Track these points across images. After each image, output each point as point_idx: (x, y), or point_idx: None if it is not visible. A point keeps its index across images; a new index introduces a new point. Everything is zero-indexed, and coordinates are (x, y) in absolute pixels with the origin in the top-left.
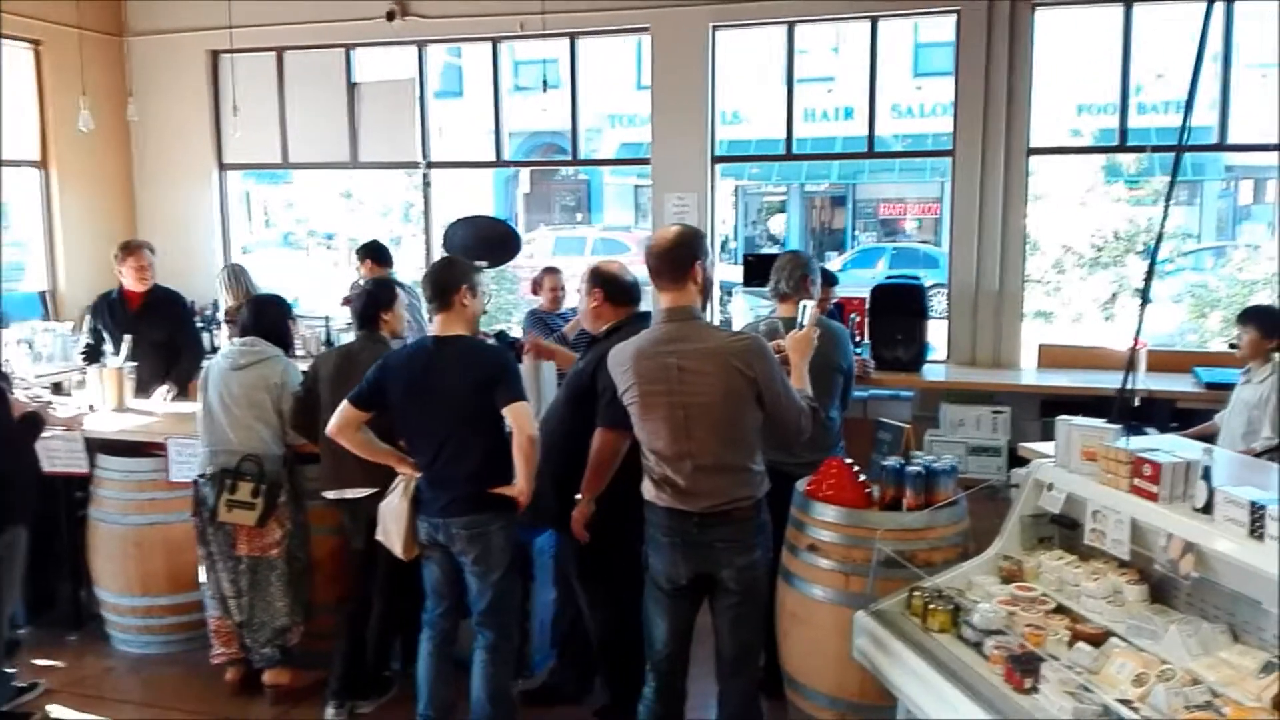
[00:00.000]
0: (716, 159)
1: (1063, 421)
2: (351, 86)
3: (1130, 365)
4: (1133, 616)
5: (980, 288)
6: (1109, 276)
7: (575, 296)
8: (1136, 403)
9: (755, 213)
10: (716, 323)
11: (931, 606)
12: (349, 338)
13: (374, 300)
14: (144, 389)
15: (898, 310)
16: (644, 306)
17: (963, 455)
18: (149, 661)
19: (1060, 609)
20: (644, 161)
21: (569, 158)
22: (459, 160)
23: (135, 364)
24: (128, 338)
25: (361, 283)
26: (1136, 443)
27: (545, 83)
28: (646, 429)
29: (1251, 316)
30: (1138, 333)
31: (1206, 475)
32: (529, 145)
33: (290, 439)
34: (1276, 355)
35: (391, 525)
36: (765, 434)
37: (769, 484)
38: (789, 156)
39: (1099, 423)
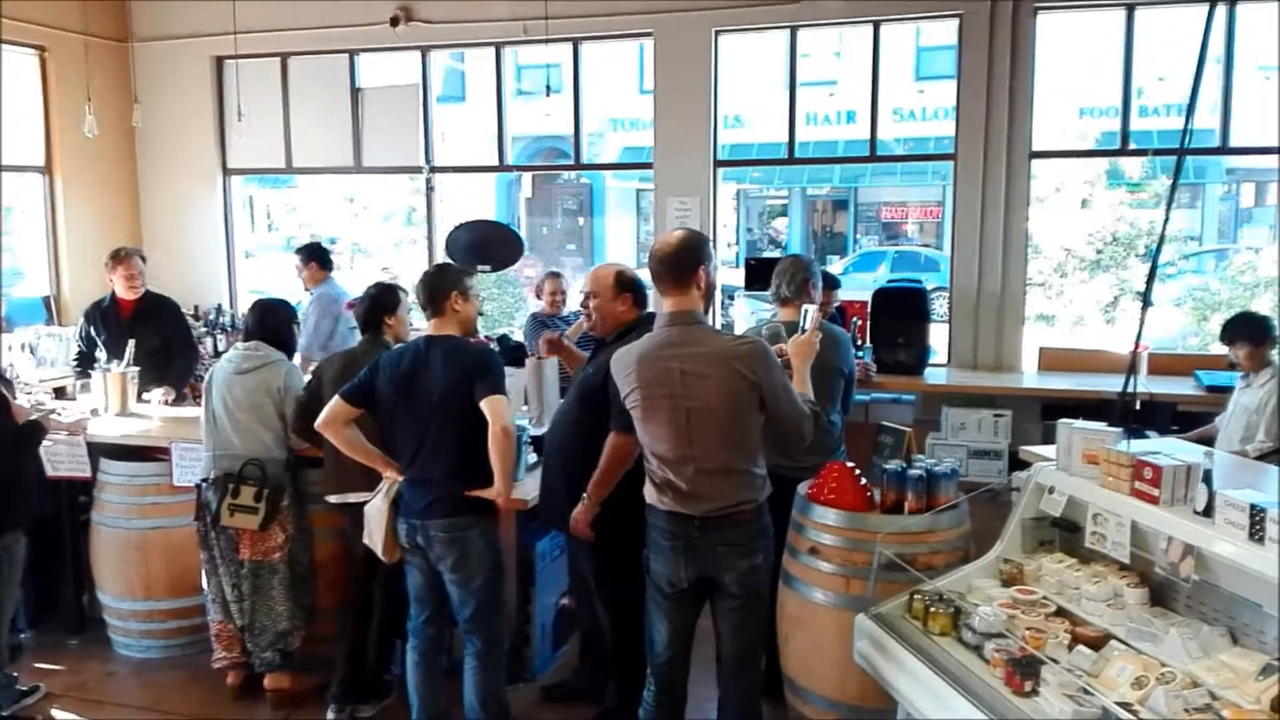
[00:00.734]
0: (719, 163)
1: (1064, 425)
2: (355, 92)
3: (1131, 368)
4: (1133, 619)
5: (982, 291)
6: (1110, 280)
7: (576, 300)
8: (1138, 406)
9: (757, 216)
10: (718, 326)
11: (932, 610)
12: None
13: (378, 304)
14: (140, 396)
15: (899, 314)
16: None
17: (964, 458)
18: (150, 665)
19: (1061, 612)
20: (646, 166)
21: (571, 162)
22: (462, 165)
23: (139, 368)
24: (131, 342)
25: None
26: (1137, 446)
27: (548, 88)
28: (649, 432)
29: (1240, 332)
30: (1138, 336)
31: (1207, 478)
32: (532, 150)
33: (293, 443)
34: (1274, 357)
35: (373, 526)
36: (767, 438)
37: (771, 488)
38: (791, 160)
39: (1100, 426)
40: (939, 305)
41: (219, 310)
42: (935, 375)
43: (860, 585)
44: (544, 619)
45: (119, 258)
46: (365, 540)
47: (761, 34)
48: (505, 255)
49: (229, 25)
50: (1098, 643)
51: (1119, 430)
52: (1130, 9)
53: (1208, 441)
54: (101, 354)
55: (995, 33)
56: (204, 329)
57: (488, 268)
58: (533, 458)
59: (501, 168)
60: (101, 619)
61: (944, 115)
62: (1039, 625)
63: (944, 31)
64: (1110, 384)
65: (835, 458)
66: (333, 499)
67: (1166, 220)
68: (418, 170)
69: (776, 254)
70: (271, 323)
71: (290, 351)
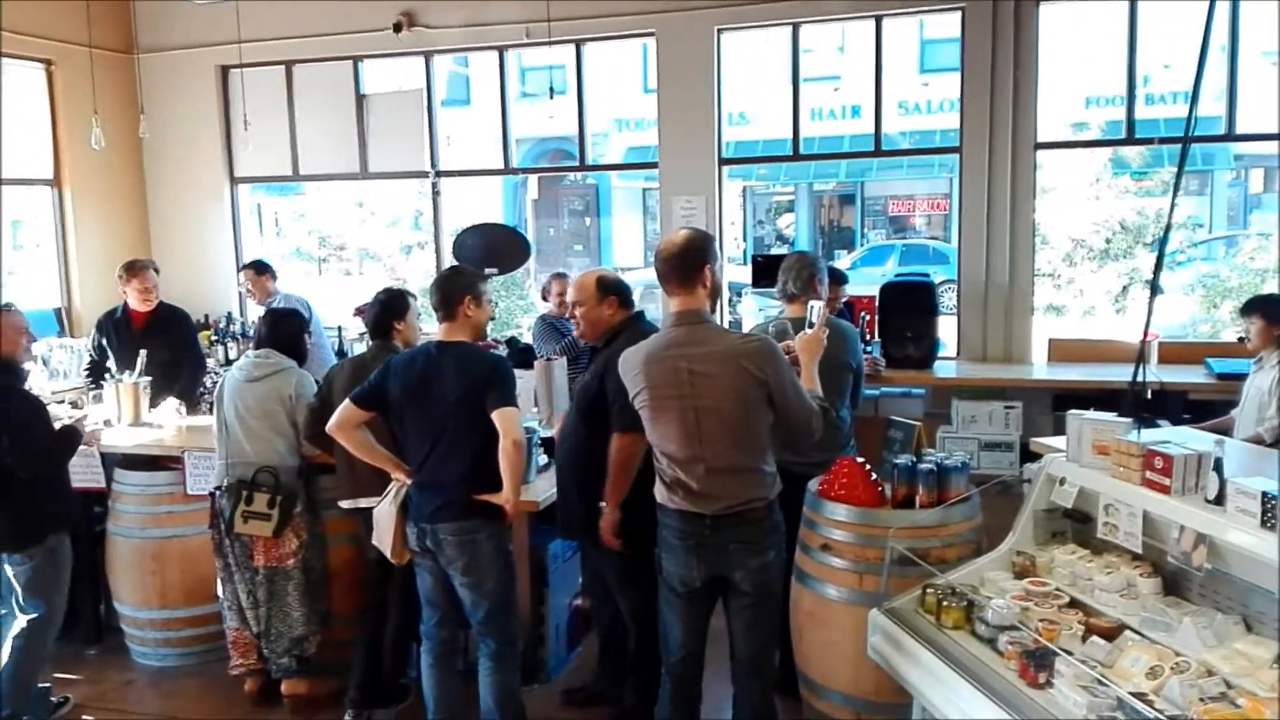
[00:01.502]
0: (724, 161)
1: (1074, 416)
2: (360, 98)
3: (1140, 357)
4: (1146, 609)
5: (990, 283)
6: (1119, 269)
7: None
8: (1148, 395)
9: (764, 213)
10: (726, 324)
11: (945, 603)
12: (361, 347)
13: (388, 310)
14: (151, 403)
15: (908, 308)
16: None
17: (975, 451)
18: (168, 674)
19: (1074, 603)
20: (651, 165)
21: (576, 163)
22: (468, 168)
23: (150, 378)
24: (143, 353)
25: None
26: (1148, 435)
27: (552, 89)
28: (658, 432)
29: (1256, 306)
30: (1147, 325)
31: (1218, 467)
32: (537, 151)
33: (305, 450)
34: None
35: (382, 529)
36: (776, 435)
37: (781, 485)
38: (796, 157)
39: (1110, 416)
40: (948, 298)
41: (229, 319)
42: (945, 368)
43: (873, 581)
44: (558, 619)
45: (133, 270)
46: (375, 543)
47: (764, 31)
48: (512, 258)
49: (233, 34)
50: (1111, 633)
51: (1129, 420)
52: None
53: (1224, 433)
54: (113, 364)
55: (998, 24)
56: (215, 338)
57: (495, 271)
58: (543, 459)
59: (506, 171)
60: (119, 628)
61: (949, 108)
62: (1052, 617)
63: (948, 24)
64: (1121, 374)
65: (845, 453)
66: (345, 504)
67: (1173, 208)
68: (424, 175)
69: (784, 250)
70: (283, 330)
71: (301, 359)
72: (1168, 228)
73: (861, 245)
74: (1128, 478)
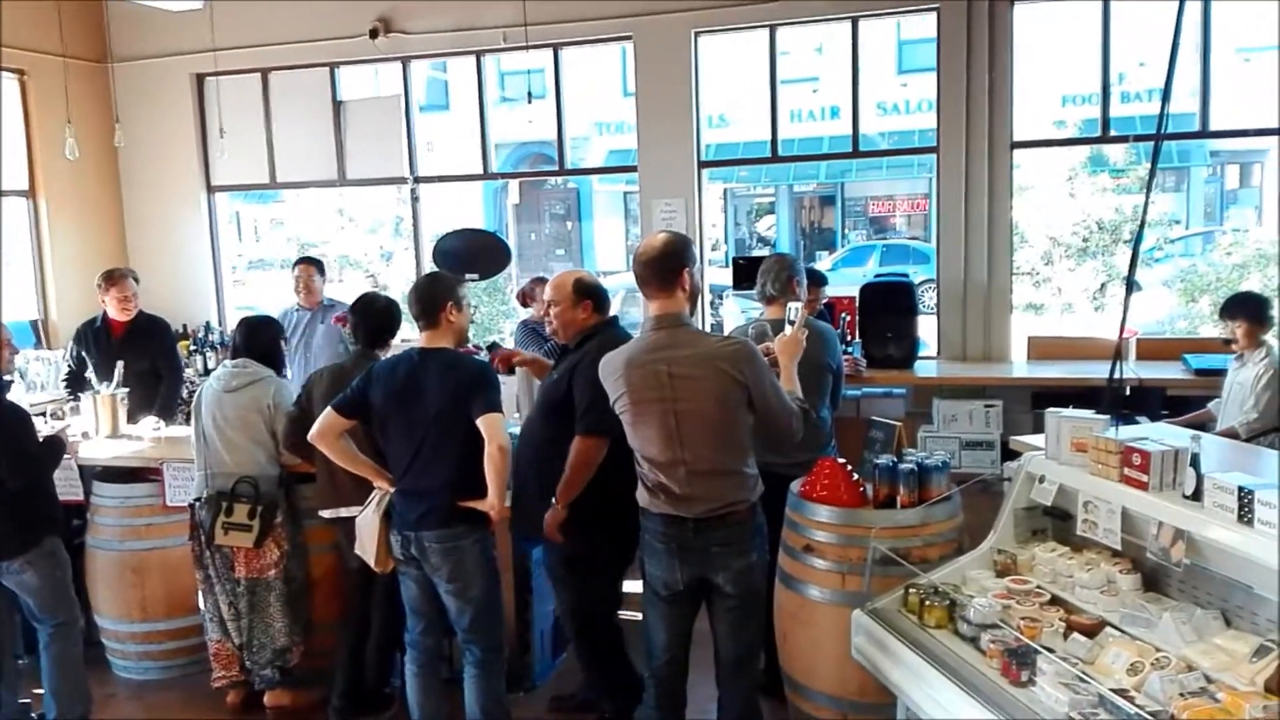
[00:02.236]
0: (703, 164)
1: (1052, 414)
2: (337, 105)
3: (1118, 354)
4: (1126, 606)
5: (969, 282)
6: (1097, 266)
7: None
8: (1126, 392)
9: (744, 215)
10: (706, 326)
11: (928, 603)
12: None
13: (392, 322)
14: (130, 417)
15: (887, 308)
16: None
17: (956, 450)
18: (150, 687)
19: (1055, 600)
20: (631, 169)
21: (556, 168)
22: (447, 174)
23: (129, 390)
24: (120, 364)
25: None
26: (1126, 432)
27: (530, 94)
28: (639, 436)
29: (1239, 308)
30: (1124, 321)
31: (1195, 462)
32: (517, 156)
33: (285, 459)
34: (1268, 339)
35: (365, 537)
36: (757, 436)
37: (763, 487)
38: (775, 159)
39: (1088, 414)
40: (928, 298)
41: (207, 328)
42: (925, 368)
43: (856, 581)
44: (542, 625)
45: (112, 279)
46: (357, 551)
47: (741, 33)
48: (493, 264)
49: (208, 42)
50: (1092, 630)
51: (1106, 418)
52: None
53: (1201, 427)
54: (92, 375)
55: (973, 24)
56: (193, 347)
57: (475, 276)
58: None
59: (486, 176)
60: (99, 642)
61: (927, 108)
62: (1034, 615)
63: (925, 25)
64: (1099, 371)
65: (826, 454)
66: (326, 514)
67: (1146, 205)
68: (402, 181)
69: (765, 252)
70: (259, 339)
71: (279, 367)
72: (1142, 224)
73: (842, 246)
74: (1106, 475)
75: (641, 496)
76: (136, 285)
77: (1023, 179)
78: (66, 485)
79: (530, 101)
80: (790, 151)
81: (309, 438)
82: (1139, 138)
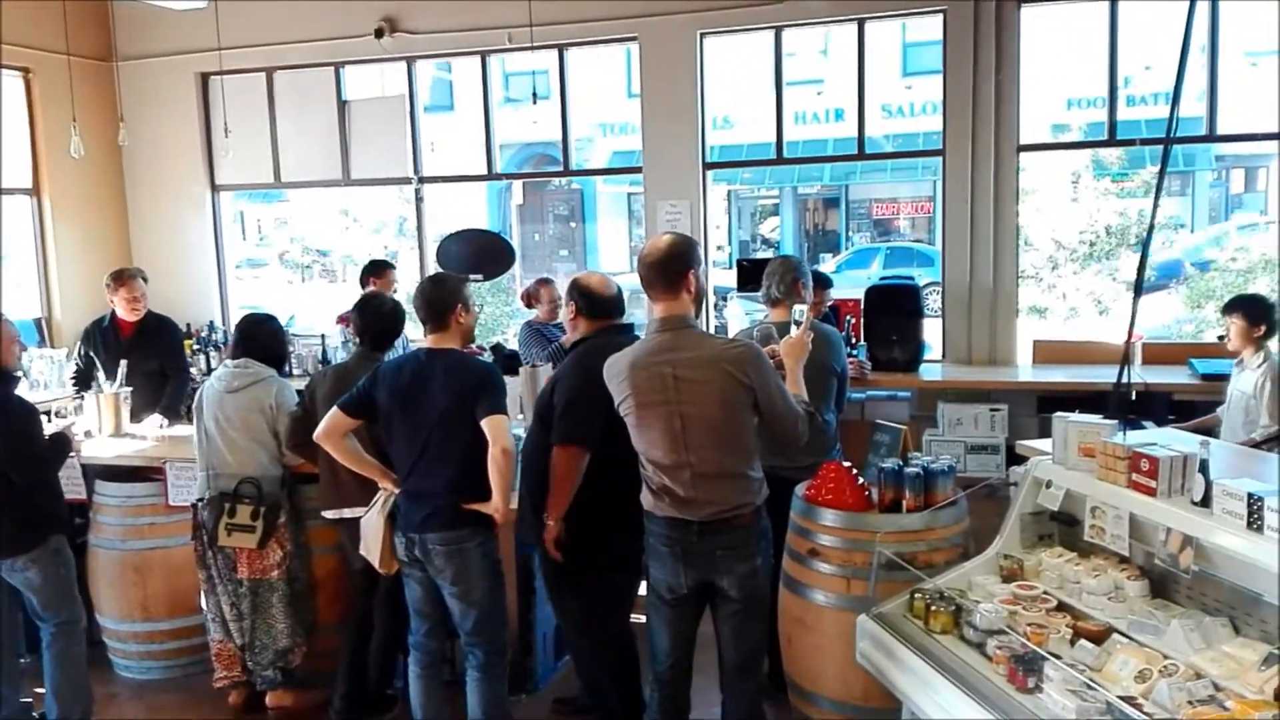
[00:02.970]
0: (708, 165)
1: (1059, 418)
2: (342, 104)
3: (1125, 359)
4: (1134, 612)
5: (974, 285)
6: (1103, 270)
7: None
8: (1133, 396)
9: (749, 217)
10: (711, 329)
11: (933, 608)
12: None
13: (399, 322)
14: (135, 416)
15: (892, 311)
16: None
17: (961, 454)
18: (152, 687)
19: (1062, 606)
20: (636, 170)
21: (561, 168)
22: (451, 174)
23: (131, 389)
24: (124, 363)
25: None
26: (1134, 437)
27: (535, 95)
28: (644, 439)
29: (1237, 305)
30: (1131, 326)
31: (1204, 468)
32: (521, 156)
33: (288, 459)
34: (1268, 343)
35: (370, 539)
36: (762, 440)
37: (768, 490)
38: (780, 161)
39: (1095, 418)
40: (933, 300)
41: (211, 327)
42: (930, 371)
43: (861, 586)
44: (545, 628)
45: (121, 279)
46: (362, 553)
47: (746, 35)
48: (497, 264)
49: (213, 42)
50: (1100, 636)
51: (1114, 422)
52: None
53: (1208, 432)
54: (101, 374)
55: (980, 27)
56: (196, 346)
57: (479, 277)
58: None
59: (490, 176)
60: (101, 641)
61: (932, 110)
62: (1040, 621)
63: (931, 27)
64: (1105, 375)
65: (831, 457)
66: (329, 514)
67: (1155, 209)
68: (406, 181)
69: (769, 254)
70: (258, 337)
71: (280, 366)
72: (1150, 229)
73: (846, 248)
74: (1114, 480)
75: (646, 499)
76: (145, 285)
77: (1028, 182)
78: (69, 484)
79: (535, 102)
80: (795, 154)
81: (314, 437)
82: (1146, 141)
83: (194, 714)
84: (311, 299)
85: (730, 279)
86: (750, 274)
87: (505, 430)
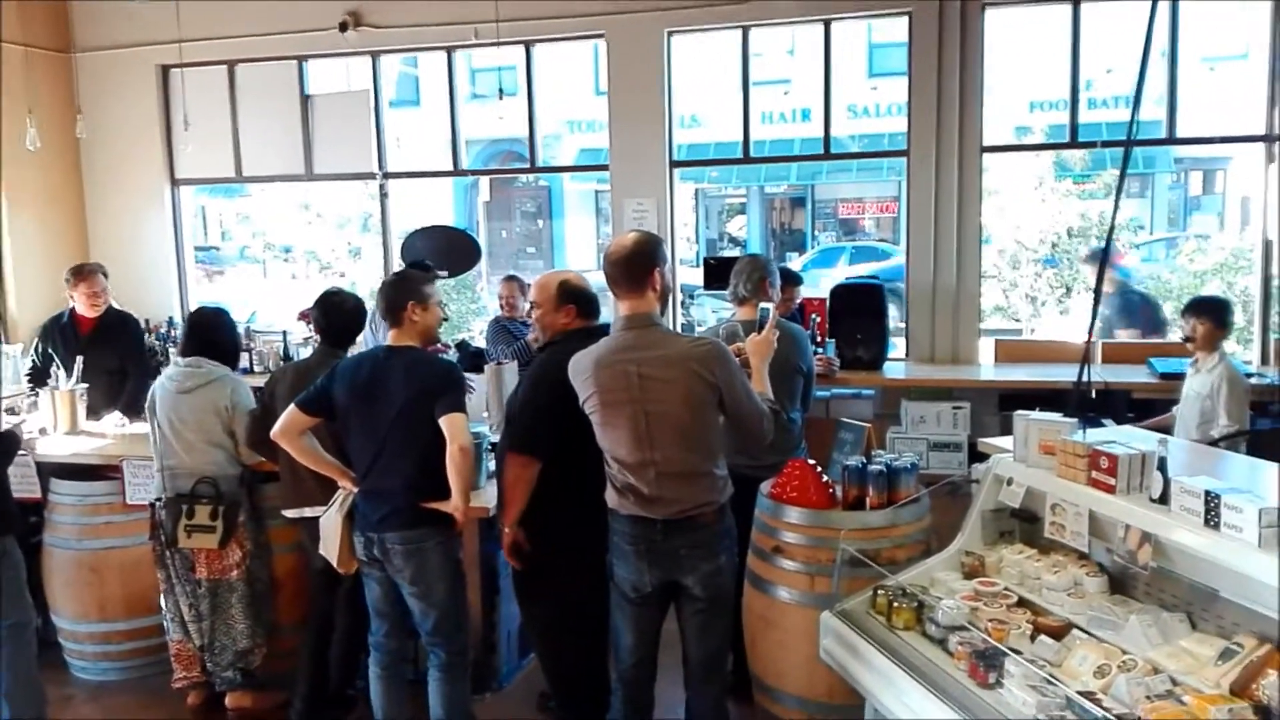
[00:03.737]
0: (675, 163)
1: (1020, 416)
2: (305, 98)
3: (1085, 358)
4: (1093, 608)
5: (937, 285)
6: (1063, 270)
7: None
8: (1093, 395)
9: (716, 215)
10: (677, 327)
11: (896, 605)
12: (306, 351)
13: (359, 320)
14: (95, 414)
15: (857, 310)
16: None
17: (925, 451)
18: (109, 688)
19: (1022, 602)
20: (603, 168)
21: (528, 165)
22: (416, 170)
23: (87, 385)
24: (80, 359)
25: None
26: (1093, 435)
27: (501, 91)
28: (608, 437)
29: (1205, 308)
30: (1091, 326)
31: (1162, 466)
32: (488, 153)
33: (246, 457)
34: (1224, 347)
35: (328, 538)
36: (728, 438)
37: (733, 488)
38: (747, 160)
39: (1055, 416)
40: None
41: (170, 323)
42: (894, 369)
43: (825, 583)
44: (509, 626)
45: (81, 274)
46: (321, 550)
47: (713, 34)
48: (462, 261)
49: (174, 33)
50: (1059, 632)
51: (1074, 420)
52: (1076, 3)
53: (1165, 430)
54: (61, 372)
55: (945, 29)
56: (156, 342)
57: (445, 273)
58: (493, 465)
59: (455, 172)
60: (57, 642)
61: (897, 111)
62: (1001, 617)
63: (896, 28)
64: (1066, 374)
65: (796, 455)
66: (290, 513)
67: (1115, 211)
68: (371, 176)
69: (736, 253)
70: (208, 334)
71: (234, 362)
72: (1110, 230)
73: (812, 247)
74: (1074, 477)
75: (610, 498)
76: (106, 280)
77: (991, 183)
78: (22, 482)
79: (501, 98)
80: (762, 153)
81: (272, 435)
82: (1107, 143)
83: (152, 715)
84: (273, 294)
85: (697, 277)
86: (717, 272)
87: (464, 428)
